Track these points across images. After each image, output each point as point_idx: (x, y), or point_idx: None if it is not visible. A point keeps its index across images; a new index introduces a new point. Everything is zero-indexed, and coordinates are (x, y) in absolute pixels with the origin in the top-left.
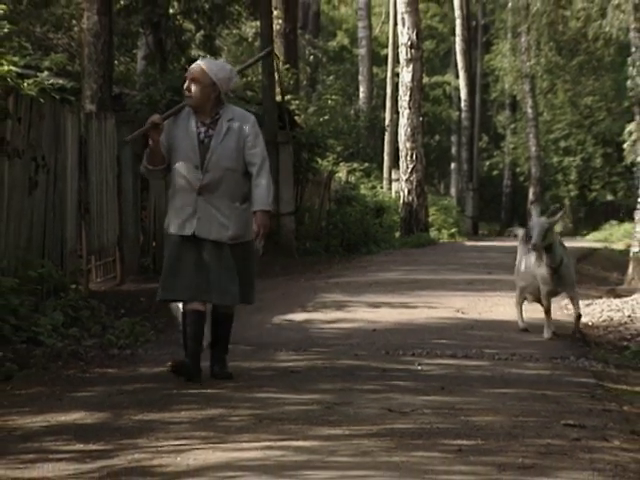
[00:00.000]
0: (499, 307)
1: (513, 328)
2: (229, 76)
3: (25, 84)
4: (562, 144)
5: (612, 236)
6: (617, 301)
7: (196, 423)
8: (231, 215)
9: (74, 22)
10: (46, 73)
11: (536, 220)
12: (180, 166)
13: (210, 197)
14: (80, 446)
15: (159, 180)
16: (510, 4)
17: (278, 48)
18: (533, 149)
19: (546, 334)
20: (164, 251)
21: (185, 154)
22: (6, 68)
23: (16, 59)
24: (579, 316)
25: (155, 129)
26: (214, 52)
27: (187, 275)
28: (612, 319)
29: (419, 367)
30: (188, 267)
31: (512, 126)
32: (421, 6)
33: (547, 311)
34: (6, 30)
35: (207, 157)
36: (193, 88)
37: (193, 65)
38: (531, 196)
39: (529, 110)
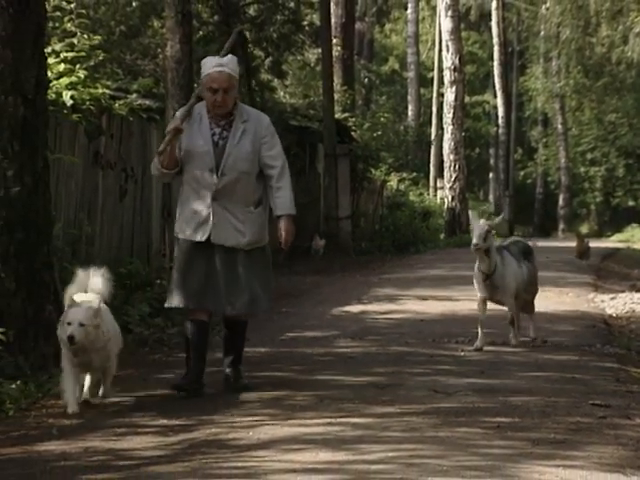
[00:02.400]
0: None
1: (545, 319)
2: (237, 66)
3: (116, 105)
4: (589, 156)
5: (634, 237)
6: (638, 295)
7: (265, 402)
8: (246, 220)
9: (159, 50)
10: (135, 95)
11: (476, 222)
12: (194, 169)
13: (225, 202)
14: (164, 421)
15: (171, 182)
16: (542, 32)
17: (337, 72)
18: (563, 160)
19: (512, 341)
20: (174, 257)
21: (199, 157)
22: (100, 91)
23: (109, 83)
24: (512, 320)
25: (177, 135)
26: (281, 76)
27: (197, 283)
28: (634, 311)
29: (462, 353)
30: (199, 274)
31: (544, 140)
32: (463, 34)
33: (511, 320)
34: (101, 58)
35: (223, 160)
36: (227, 99)
37: (215, 74)
38: (561, 202)
39: (559, 126)
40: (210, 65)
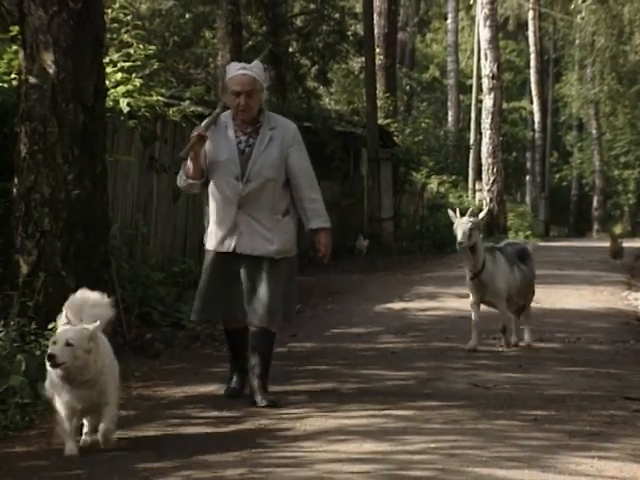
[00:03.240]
0: (568, 298)
1: (580, 316)
2: (263, 72)
3: (170, 111)
4: (622, 159)
5: None
6: None
7: (312, 395)
8: (274, 228)
9: (211, 60)
10: (187, 102)
11: (458, 220)
12: (219, 178)
13: (251, 210)
14: (215, 413)
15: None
16: (577, 40)
17: (379, 80)
18: (597, 164)
19: (503, 345)
20: (203, 268)
21: (225, 165)
22: (155, 98)
23: (163, 91)
24: (504, 328)
25: (201, 141)
26: (326, 83)
27: (224, 294)
28: None
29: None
30: (226, 285)
31: (579, 144)
32: (501, 43)
33: (503, 329)
34: (155, 67)
35: (248, 167)
36: (250, 103)
37: (238, 76)
38: (595, 203)
39: (593, 131)
40: (234, 69)
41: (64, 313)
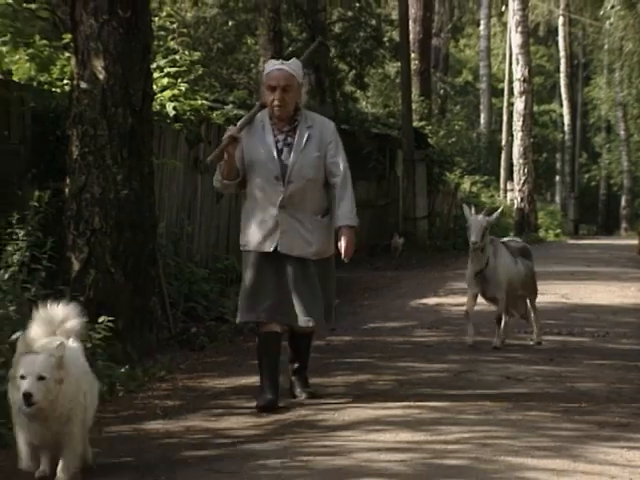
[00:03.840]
0: (597, 294)
1: (609, 311)
2: (302, 70)
3: (214, 115)
4: None
5: None
6: None
7: (349, 386)
8: (314, 229)
9: (252, 65)
10: (230, 106)
11: (474, 218)
12: (258, 178)
13: (292, 210)
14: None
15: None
16: (606, 45)
17: (415, 84)
18: (625, 164)
19: (494, 342)
20: (243, 271)
21: (263, 165)
22: (199, 102)
23: (207, 95)
24: (499, 317)
25: (233, 142)
26: (363, 87)
27: (267, 295)
28: None
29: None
30: (268, 286)
31: (607, 145)
32: (532, 48)
33: (498, 318)
34: (200, 72)
35: (288, 167)
36: (286, 98)
37: (274, 71)
38: (623, 203)
39: (622, 132)
40: (272, 65)
41: (28, 338)
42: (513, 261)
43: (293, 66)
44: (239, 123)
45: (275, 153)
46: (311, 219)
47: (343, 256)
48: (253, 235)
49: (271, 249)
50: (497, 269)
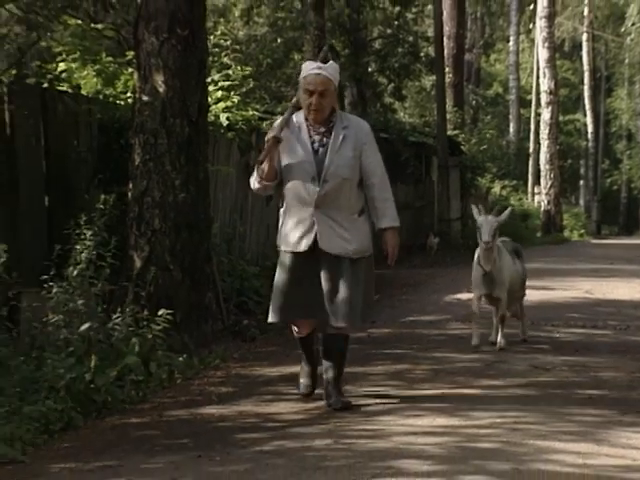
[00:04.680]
0: (619, 289)
1: (630, 305)
2: (339, 73)
3: (264, 124)
4: None
5: None
6: None
7: (389, 375)
8: (351, 228)
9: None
10: (279, 116)
11: (484, 218)
12: (295, 179)
13: (328, 210)
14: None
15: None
16: (627, 59)
17: (449, 95)
18: None
19: (500, 342)
20: (277, 271)
21: (300, 166)
22: (250, 113)
23: (258, 106)
24: (502, 317)
25: (276, 144)
26: (401, 99)
27: (301, 295)
28: None
29: (557, 335)
30: (302, 286)
31: (628, 152)
32: (558, 62)
33: (501, 319)
34: (251, 86)
35: (324, 168)
36: (323, 103)
37: (312, 75)
38: None
39: None
40: (309, 68)
41: None
42: (512, 261)
43: (330, 70)
44: (277, 124)
45: (312, 154)
46: (348, 218)
47: (389, 259)
48: (289, 236)
49: (306, 249)
50: (502, 269)
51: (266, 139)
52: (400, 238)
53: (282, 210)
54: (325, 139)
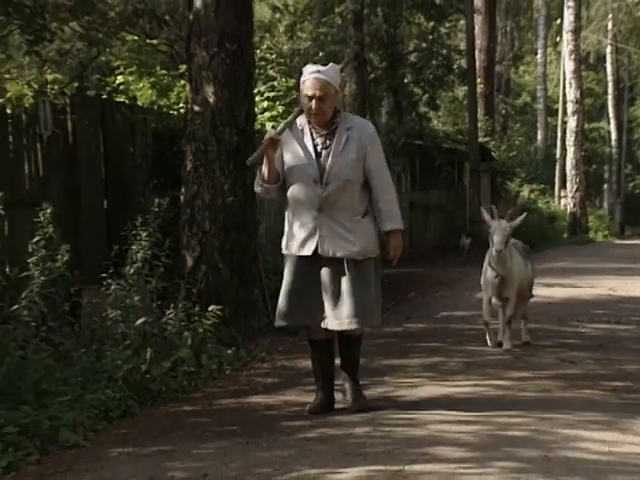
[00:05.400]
0: None
1: None
2: (339, 76)
3: None
4: None
5: None
6: None
7: (424, 367)
8: (355, 229)
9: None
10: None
11: (497, 224)
12: (297, 182)
13: (331, 212)
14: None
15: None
16: None
17: (480, 105)
18: None
19: (507, 344)
20: (284, 273)
21: (302, 169)
22: None
23: None
24: (509, 321)
25: (272, 146)
26: (435, 108)
27: (308, 299)
28: None
29: (583, 330)
30: (309, 290)
31: None
32: (583, 73)
33: (508, 321)
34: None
35: (326, 170)
36: (323, 107)
37: (310, 80)
38: None
39: None
40: (308, 71)
41: None
42: (524, 263)
43: (329, 72)
44: (279, 127)
45: (314, 156)
46: (351, 219)
47: (391, 261)
48: (293, 239)
49: (310, 252)
50: (513, 271)
51: (265, 139)
52: (431, 238)
53: (286, 213)
54: (328, 141)
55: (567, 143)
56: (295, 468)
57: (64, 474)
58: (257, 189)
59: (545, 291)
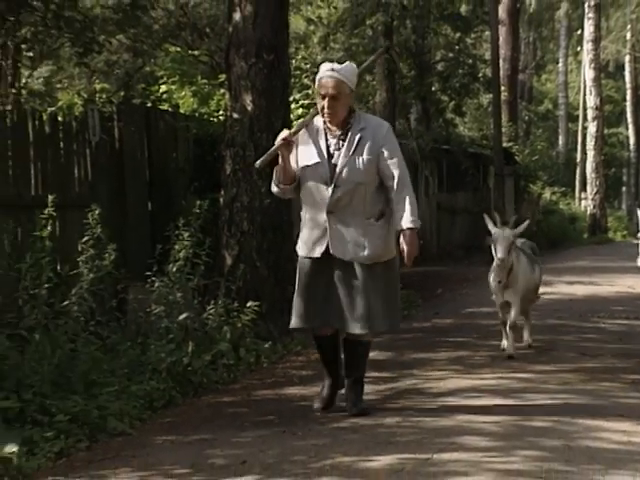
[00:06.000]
0: None
1: None
2: (356, 75)
3: None
4: None
5: None
6: None
7: (451, 360)
8: (366, 233)
9: (370, 97)
10: None
11: (500, 232)
12: (309, 183)
13: (342, 215)
14: (375, 374)
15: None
16: None
17: (504, 111)
18: None
19: (509, 349)
20: (297, 275)
21: (314, 170)
22: None
23: None
24: (513, 325)
25: (286, 146)
26: (461, 115)
27: (319, 301)
28: None
29: (603, 325)
30: (320, 292)
31: None
32: (603, 81)
33: (512, 325)
34: None
35: (337, 172)
36: (336, 106)
37: (325, 78)
38: None
39: None
40: (324, 69)
41: None
42: (530, 268)
43: (344, 71)
44: (294, 127)
45: (326, 157)
46: (362, 223)
47: (405, 260)
48: (305, 241)
49: (320, 255)
50: (517, 276)
51: (278, 139)
52: (458, 238)
53: (301, 214)
54: (341, 142)
55: (587, 148)
56: (329, 456)
57: (112, 460)
58: (274, 189)
59: (567, 289)
